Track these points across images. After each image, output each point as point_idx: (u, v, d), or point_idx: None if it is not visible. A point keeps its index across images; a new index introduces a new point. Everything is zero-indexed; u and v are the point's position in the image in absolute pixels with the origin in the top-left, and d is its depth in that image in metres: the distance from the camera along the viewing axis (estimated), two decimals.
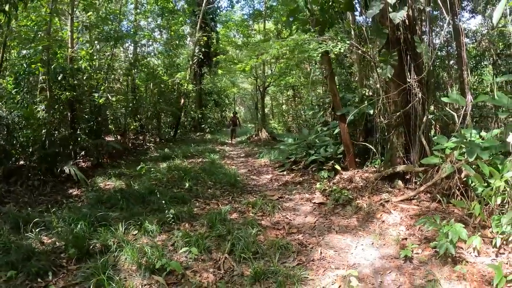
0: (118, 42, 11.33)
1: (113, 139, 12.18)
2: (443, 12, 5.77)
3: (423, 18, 7.03)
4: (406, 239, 4.83)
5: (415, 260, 4.21)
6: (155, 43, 15.45)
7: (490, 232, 4.34)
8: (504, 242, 4.08)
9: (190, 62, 17.26)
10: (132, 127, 13.69)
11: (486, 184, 4.61)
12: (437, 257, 4.13)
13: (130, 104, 12.88)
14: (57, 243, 4.73)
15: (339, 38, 6.64)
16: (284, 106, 23.39)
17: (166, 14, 15.33)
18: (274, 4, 17.92)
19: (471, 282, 3.60)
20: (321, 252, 4.67)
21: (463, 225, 4.19)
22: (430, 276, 3.81)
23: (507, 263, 3.81)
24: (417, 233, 4.96)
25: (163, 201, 6.42)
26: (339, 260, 4.45)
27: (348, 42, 6.58)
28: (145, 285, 3.81)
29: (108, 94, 10.02)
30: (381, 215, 5.78)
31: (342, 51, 6.60)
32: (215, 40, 20.43)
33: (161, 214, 5.82)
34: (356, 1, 7.73)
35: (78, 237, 4.65)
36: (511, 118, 4.21)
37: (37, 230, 4.92)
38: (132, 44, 14.42)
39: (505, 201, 4.27)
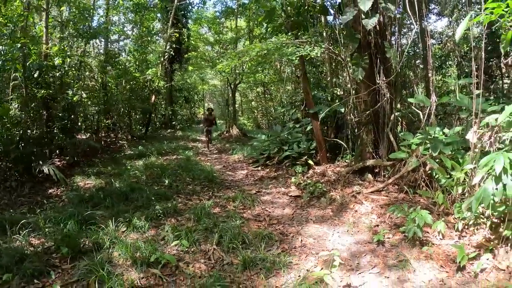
0: (92, 38, 11.20)
1: (85, 137, 12.00)
2: (412, 17, 6.25)
3: (393, 23, 7.54)
4: (377, 226, 5.30)
5: (387, 244, 4.67)
6: (126, 39, 15.30)
7: (453, 218, 4.85)
8: (466, 227, 4.59)
9: (162, 59, 17.16)
10: (103, 124, 13.55)
11: (448, 176, 5.12)
12: (406, 240, 4.60)
13: (102, 101, 12.74)
14: (46, 243, 4.73)
15: (315, 42, 7.03)
16: (253, 103, 23.63)
17: (139, 10, 15.18)
18: (246, 1, 18.08)
19: (437, 260, 4.09)
20: (301, 240, 5.05)
21: (429, 212, 4.70)
22: (401, 257, 4.27)
23: (468, 244, 4.32)
24: (388, 220, 5.44)
25: (148, 198, 6.57)
26: (318, 247, 4.85)
27: (323, 46, 6.99)
28: (142, 278, 3.98)
29: (83, 92, 9.93)
30: (353, 206, 6.24)
31: (318, 55, 7.01)
32: (186, 37, 20.36)
33: (147, 211, 5.97)
34: (329, 5, 8.20)
35: (70, 236, 4.69)
36: (471, 117, 4.71)
37: (24, 231, 4.84)
38: (103, 40, 14.20)
39: (465, 191, 4.79)
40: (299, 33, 7.55)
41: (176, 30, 17.78)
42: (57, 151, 9.86)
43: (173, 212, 6.07)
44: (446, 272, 3.91)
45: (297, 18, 7.69)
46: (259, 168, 10.15)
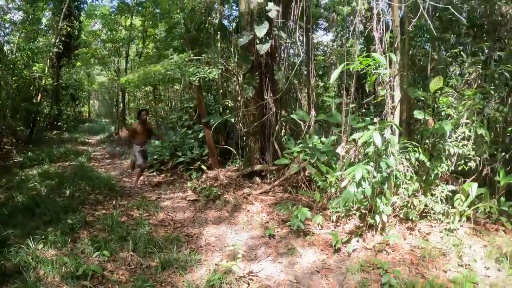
0: None
1: None
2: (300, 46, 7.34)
3: (283, 47, 8.59)
4: (268, 222, 6.28)
5: (277, 236, 5.66)
6: (15, 31, 13.48)
7: (329, 212, 6.05)
8: (339, 218, 5.87)
9: (50, 54, 15.63)
10: None
11: (324, 178, 6.35)
12: (292, 232, 5.65)
13: None
14: None
15: (213, 60, 7.76)
16: (141, 102, 22.98)
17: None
18: (143, 0, 17.79)
19: (318, 246, 5.22)
20: (205, 240, 5.76)
21: (309, 209, 5.83)
22: (289, 246, 5.28)
23: (342, 232, 5.56)
24: (276, 217, 6.47)
25: (55, 212, 6.41)
26: (220, 244, 5.61)
27: (220, 67, 7.74)
28: None
29: None
30: (246, 206, 7.13)
31: (216, 77, 7.71)
32: (77, 31, 19.01)
33: (58, 225, 5.84)
34: (227, 23, 8.96)
35: None
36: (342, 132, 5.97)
37: None
38: None
39: (337, 190, 6.05)
40: (198, 50, 8.13)
41: (68, 24, 16.44)
42: None
43: (84, 224, 6.07)
44: (326, 254, 5.03)
45: (197, 33, 8.31)
46: (155, 173, 10.44)
